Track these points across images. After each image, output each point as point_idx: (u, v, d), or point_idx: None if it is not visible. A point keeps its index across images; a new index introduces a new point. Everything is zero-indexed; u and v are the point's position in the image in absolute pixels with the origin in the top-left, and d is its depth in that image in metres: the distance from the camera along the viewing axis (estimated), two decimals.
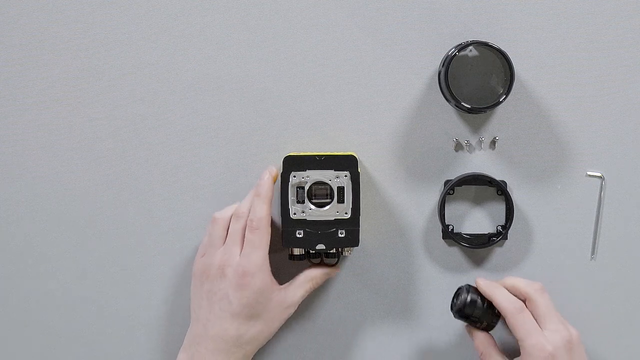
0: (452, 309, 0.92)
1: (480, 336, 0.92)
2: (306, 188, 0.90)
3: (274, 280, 0.90)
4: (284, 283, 0.92)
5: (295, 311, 0.95)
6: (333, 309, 0.97)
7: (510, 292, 0.90)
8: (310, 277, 0.92)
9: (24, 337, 0.97)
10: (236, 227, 0.90)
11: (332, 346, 0.98)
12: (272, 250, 0.92)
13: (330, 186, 0.89)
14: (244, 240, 0.89)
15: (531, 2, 0.94)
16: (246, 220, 0.89)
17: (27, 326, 0.97)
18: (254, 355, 0.91)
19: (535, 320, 0.88)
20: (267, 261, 0.89)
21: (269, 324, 0.89)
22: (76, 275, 0.97)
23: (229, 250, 0.89)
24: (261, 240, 0.88)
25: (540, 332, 0.87)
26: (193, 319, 0.91)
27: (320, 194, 0.90)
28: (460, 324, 0.95)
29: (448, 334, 0.97)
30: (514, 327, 0.87)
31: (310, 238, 0.90)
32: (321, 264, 0.94)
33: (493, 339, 0.92)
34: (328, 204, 0.89)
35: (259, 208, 0.89)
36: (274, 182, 0.91)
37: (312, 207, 0.89)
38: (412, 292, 0.97)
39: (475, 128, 0.95)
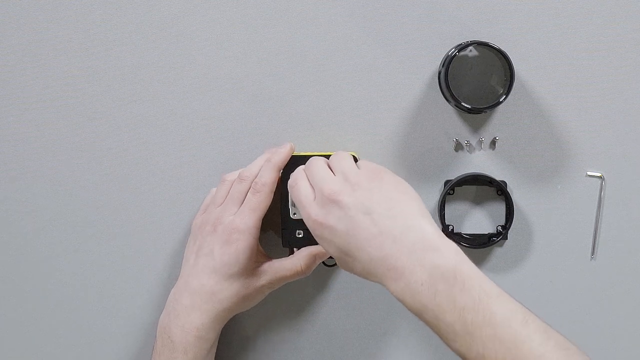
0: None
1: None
2: None
3: (262, 250, 0.90)
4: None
5: (295, 311, 0.95)
6: (333, 309, 0.97)
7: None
8: (295, 265, 0.89)
9: (24, 337, 0.97)
10: (238, 188, 0.90)
11: (332, 346, 0.98)
12: (272, 251, 0.92)
13: None
14: (242, 202, 0.89)
15: (531, 2, 0.94)
16: (250, 183, 0.89)
17: (27, 326, 0.97)
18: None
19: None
20: (259, 226, 0.88)
21: (245, 289, 0.88)
22: (76, 275, 0.97)
23: (227, 208, 0.89)
24: (259, 203, 0.88)
25: (309, 201, 0.79)
26: (179, 277, 0.91)
27: None
28: None
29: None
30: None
31: (310, 238, 0.89)
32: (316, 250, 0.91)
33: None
34: None
35: (267, 173, 0.89)
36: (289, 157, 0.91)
37: None
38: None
39: (475, 128, 0.95)
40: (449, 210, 0.96)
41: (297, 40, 0.94)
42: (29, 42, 0.94)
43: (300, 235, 0.90)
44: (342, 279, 0.97)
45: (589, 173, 0.96)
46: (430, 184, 0.96)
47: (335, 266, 0.96)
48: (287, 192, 0.89)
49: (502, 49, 0.90)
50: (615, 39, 0.94)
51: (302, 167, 0.84)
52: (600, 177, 0.96)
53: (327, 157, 0.89)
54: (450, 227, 0.96)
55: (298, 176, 0.83)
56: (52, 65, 0.94)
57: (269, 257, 0.91)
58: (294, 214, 0.90)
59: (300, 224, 0.89)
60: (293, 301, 0.97)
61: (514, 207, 0.94)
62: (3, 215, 0.96)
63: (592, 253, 0.97)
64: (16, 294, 0.97)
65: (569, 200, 0.96)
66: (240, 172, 0.91)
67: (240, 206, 0.89)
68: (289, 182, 0.84)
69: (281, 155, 0.90)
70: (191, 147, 0.95)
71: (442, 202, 0.95)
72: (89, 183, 0.96)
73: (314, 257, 0.90)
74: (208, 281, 0.87)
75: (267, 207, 0.89)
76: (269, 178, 0.89)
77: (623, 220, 0.96)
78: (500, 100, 0.91)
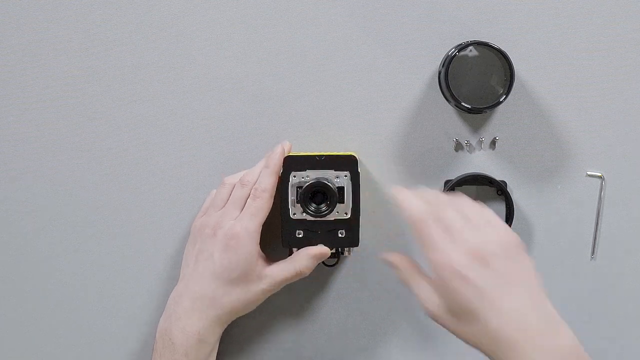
0: None
1: (396, 259, 0.83)
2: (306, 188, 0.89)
3: (262, 253, 0.90)
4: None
5: (296, 311, 0.95)
6: (333, 309, 0.97)
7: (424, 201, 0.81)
8: (296, 263, 0.89)
9: (24, 337, 0.97)
10: (239, 194, 0.90)
11: (332, 346, 0.98)
12: (272, 252, 0.92)
13: (330, 186, 0.89)
14: (243, 208, 0.89)
15: (531, 2, 0.94)
16: (251, 189, 0.90)
17: (27, 326, 0.97)
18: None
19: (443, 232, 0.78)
20: (259, 231, 0.88)
21: (246, 294, 0.88)
22: (76, 275, 0.97)
23: (227, 213, 0.89)
24: (260, 208, 0.88)
25: (446, 243, 0.76)
26: (179, 279, 0.91)
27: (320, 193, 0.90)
28: None
29: (448, 334, 0.96)
30: (417, 239, 0.78)
31: (310, 238, 0.90)
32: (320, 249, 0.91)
33: (410, 259, 0.83)
34: (328, 204, 0.89)
35: (265, 178, 0.89)
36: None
37: (312, 207, 0.89)
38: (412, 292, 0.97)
39: (475, 128, 0.95)
40: None
41: (297, 40, 0.94)
42: (29, 42, 0.94)
43: (300, 236, 0.90)
44: (342, 279, 0.97)
45: (589, 173, 0.96)
46: (430, 184, 0.96)
47: (335, 266, 0.96)
48: (287, 192, 0.89)
49: (502, 49, 0.90)
50: (615, 39, 0.94)
51: (422, 201, 0.80)
52: (600, 177, 0.96)
53: (328, 156, 0.89)
54: None
55: (425, 212, 0.79)
56: (52, 65, 0.94)
57: (269, 260, 0.91)
58: (294, 214, 0.90)
59: (300, 224, 0.90)
60: (293, 301, 0.97)
61: (514, 207, 0.94)
62: (3, 215, 0.96)
63: (592, 253, 0.97)
64: (16, 294, 0.97)
65: (569, 200, 0.96)
66: (241, 177, 0.91)
67: (241, 211, 0.89)
68: (411, 215, 0.79)
69: (275, 159, 0.90)
70: (191, 147, 0.95)
71: None
72: (89, 183, 0.96)
73: (313, 257, 0.90)
74: (209, 286, 0.87)
75: (268, 213, 0.89)
76: (269, 184, 0.89)
77: (623, 220, 0.96)
78: (500, 100, 0.91)
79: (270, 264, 0.90)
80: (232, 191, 0.91)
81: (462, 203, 0.81)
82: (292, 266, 0.89)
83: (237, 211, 0.89)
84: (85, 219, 0.96)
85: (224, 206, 0.90)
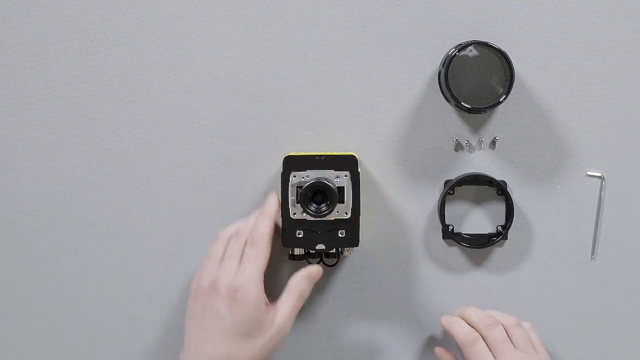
0: None
1: (445, 357, 0.94)
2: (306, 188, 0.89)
3: (266, 298, 0.88)
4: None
5: None
6: (333, 309, 0.97)
7: (469, 323, 0.92)
8: (294, 290, 0.89)
9: (24, 337, 0.97)
10: (235, 245, 0.88)
11: (332, 346, 0.98)
12: (272, 253, 0.92)
13: (330, 186, 0.89)
14: (241, 258, 0.87)
15: (531, 2, 0.94)
16: (246, 239, 0.88)
17: (27, 326, 0.97)
18: None
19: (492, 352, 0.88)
20: (262, 278, 0.86)
21: (262, 344, 0.85)
22: (76, 275, 0.97)
23: (225, 266, 0.87)
24: (259, 255, 0.87)
25: None
26: (185, 341, 0.87)
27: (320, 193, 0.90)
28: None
29: (446, 334, 0.97)
30: (467, 359, 0.88)
31: (310, 238, 0.90)
32: (320, 263, 0.93)
33: (455, 356, 0.94)
34: (328, 204, 0.89)
35: (262, 224, 0.88)
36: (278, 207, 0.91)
37: (312, 207, 0.89)
38: (412, 292, 0.97)
39: (475, 128, 0.95)
40: (449, 210, 0.96)
41: (297, 40, 0.94)
42: (29, 42, 0.94)
43: (300, 236, 0.90)
44: (342, 279, 0.97)
45: (589, 173, 0.96)
46: (430, 184, 0.96)
47: (335, 266, 0.96)
48: (287, 192, 0.89)
49: (502, 49, 0.90)
50: (615, 39, 0.94)
51: (468, 323, 0.92)
52: (600, 177, 0.96)
53: (328, 156, 0.89)
54: (450, 227, 0.96)
55: (473, 333, 0.90)
56: (52, 65, 0.94)
57: (272, 303, 0.89)
58: (294, 214, 0.90)
59: (301, 224, 0.90)
60: None
61: (514, 207, 0.94)
62: (3, 215, 0.96)
63: (592, 253, 0.97)
64: (16, 294, 0.97)
65: (569, 200, 0.96)
66: (237, 229, 0.90)
67: (240, 262, 0.87)
68: (461, 339, 0.89)
69: (270, 206, 0.90)
70: (191, 147, 0.95)
71: (442, 202, 0.95)
72: (89, 183, 0.96)
73: (307, 278, 0.89)
74: (222, 344, 0.84)
75: (268, 258, 0.87)
76: (265, 228, 0.88)
77: (623, 220, 0.96)
78: (500, 100, 0.91)
79: (274, 304, 0.88)
80: (225, 244, 0.89)
81: (506, 323, 0.91)
82: (292, 295, 0.88)
83: (236, 263, 0.87)
84: (85, 219, 0.96)
85: (221, 260, 0.88)
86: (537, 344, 0.92)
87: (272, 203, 0.90)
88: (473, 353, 0.88)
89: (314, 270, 0.90)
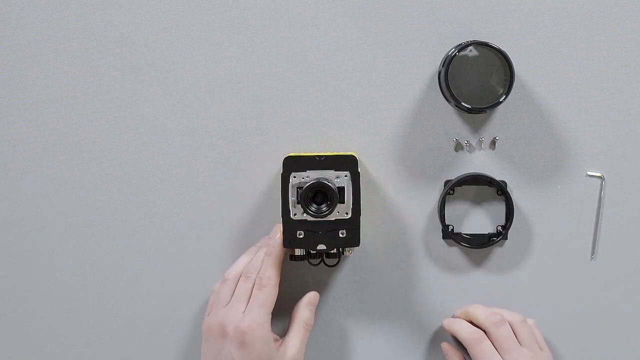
0: None
1: (451, 352, 0.95)
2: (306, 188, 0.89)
3: (274, 335, 0.89)
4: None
5: None
6: (333, 309, 0.97)
7: (473, 322, 0.93)
8: (299, 321, 0.90)
9: (24, 337, 0.97)
10: (243, 287, 0.89)
11: (332, 346, 0.98)
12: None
13: (331, 186, 0.89)
14: (249, 300, 0.88)
15: (531, 2, 0.94)
16: (254, 280, 0.89)
17: (27, 326, 0.97)
18: None
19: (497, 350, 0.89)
20: (269, 319, 0.87)
21: None
22: (76, 275, 0.97)
23: (233, 308, 0.88)
24: (267, 298, 0.88)
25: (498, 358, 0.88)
26: None
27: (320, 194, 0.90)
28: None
29: (448, 334, 0.97)
30: (473, 357, 0.89)
31: (311, 238, 0.90)
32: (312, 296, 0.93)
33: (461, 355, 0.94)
34: (328, 204, 0.89)
35: (269, 267, 0.89)
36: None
37: (313, 207, 0.89)
38: (412, 292, 0.97)
39: (475, 128, 0.95)
40: (449, 210, 0.96)
41: (297, 40, 0.94)
42: (29, 42, 0.94)
43: (301, 236, 0.90)
44: (342, 279, 0.97)
45: (589, 173, 0.96)
46: (430, 184, 0.96)
47: (335, 266, 0.96)
48: (288, 193, 0.89)
49: (502, 49, 0.90)
50: (615, 39, 0.94)
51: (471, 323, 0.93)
52: (600, 177, 0.96)
53: (328, 157, 0.89)
54: (450, 227, 0.96)
55: (477, 332, 0.91)
56: (52, 65, 0.94)
57: (279, 338, 0.90)
58: (295, 214, 0.90)
59: (301, 224, 0.90)
60: (293, 301, 0.97)
61: (514, 207, 0.94)
62: (3, 215, 0.96)
63: (592, 253, 0.97)
64: (16, 294, 0.97)
65: (569, 200, 0.96)
66: (244, 270, 0.91)
67: (247, 303, 0.88)
68: (466, 339, 0.91)
69: (277, 246, 0.90)
70: (191, 147, 0.95)
71: (442, 202, 0.95)
72: (89, 183, 0.96)
73: (307, 305, 0.91)
74: None
75: (274, 301, 0.88)
76: (273, 272, 0.89)
77: (623, 220, 0.96)
78: (500, 100, 0.91)
79: (283, 340, 0.89)
80: (233, 286, 0.90)
81: (512, 320, 0.92)
82: (299, 326, 0.90)
83: (243, 305, 0.88)
84: (85, 219, 0.96)
85: (229, 302, 0.89)
86: (541, 340, 0.92)
87: (278, 241, 0.90)
88: (479, 351, 0.89)
89: (312, 296, 0.92)
